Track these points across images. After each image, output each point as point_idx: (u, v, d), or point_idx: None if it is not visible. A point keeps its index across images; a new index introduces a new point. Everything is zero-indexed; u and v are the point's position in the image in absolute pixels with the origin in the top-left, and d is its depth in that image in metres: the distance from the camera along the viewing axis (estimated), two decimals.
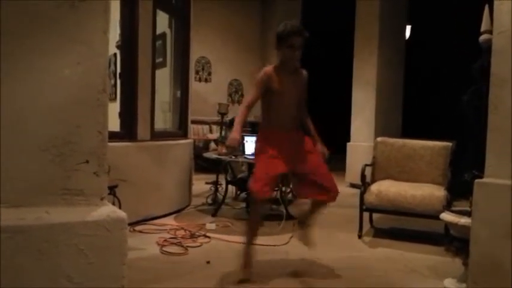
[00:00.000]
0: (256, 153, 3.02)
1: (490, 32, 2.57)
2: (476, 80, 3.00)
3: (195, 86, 7.36)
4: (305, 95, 3.11)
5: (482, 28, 2.82)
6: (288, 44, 2.85)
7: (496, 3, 2.38)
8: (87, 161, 1.49)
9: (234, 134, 2.86)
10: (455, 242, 2.81)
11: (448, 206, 3.29)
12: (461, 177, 3.32)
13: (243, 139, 4.58)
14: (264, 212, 3.09)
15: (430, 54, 9.20)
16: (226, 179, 5.09)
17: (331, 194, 2.92)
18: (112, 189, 3.39)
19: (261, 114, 3.05)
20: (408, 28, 8.48)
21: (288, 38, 2.85)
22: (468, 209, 2.66)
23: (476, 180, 2.39)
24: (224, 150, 4.68)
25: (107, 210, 1.51)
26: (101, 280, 1.45)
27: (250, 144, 4.58)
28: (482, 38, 2.80)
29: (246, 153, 4.57)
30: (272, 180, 2.88)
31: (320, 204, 3.07)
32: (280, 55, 2.94)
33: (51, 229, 1.39)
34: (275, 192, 3.21)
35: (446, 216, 2.86)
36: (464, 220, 2.65)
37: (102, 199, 1.54)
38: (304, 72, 3.07)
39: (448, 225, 2.98)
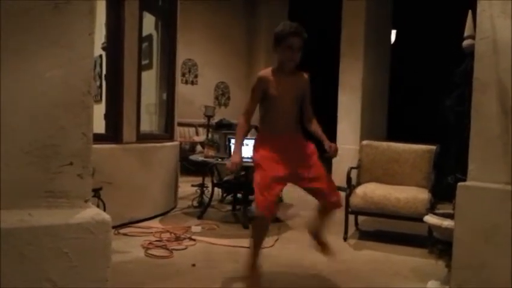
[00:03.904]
0: (256, 162, 2.78)
1: (473, 37, 2.60)
2: (459, 85, 3.03)
3: (181, 88, 7.32)
4: (308, 97, 2.95)
5: (466, 33, 2.85)
6: (286, 44, 2.72)
7: (478, 9, 2.43)
8: (71, 163, 1.48)
9: (235, 157, 2.75)
10: (438, 245, 2.84)
11: (431, 209, 3.33)
12: (445, 180, 3.35)
13: (229, 142, 4.58)
14: (268, 228, 2.82)
15: (415, 58, 9.30)
16: (212, 181, 5.08)
17: (332, 200, 2.80)
18: (96, 192, 3.37)
19: (259, 120, 2.90)
20: (393, 33, 8.57)
21: (286, 38, 2.72)
22: (451, 211, 2.69)
23: (459, 184, 2.42)
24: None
25: (91, 212, 1.50)
26: (84, 283, 1.44)
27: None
28: (466, 43, 2.84)
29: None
30: (277, 189, 2.69)
31: (325, 211, 2.93)
32: (278, 56, 2.80)
33: (34, 232, 1.37)
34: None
35: (430, 218, 2.89)
36: (447, 223, 2.68)
37: (86, 201, 1.53)
38: (305, 74, 2.93)
39: (431, 227, 3.01)
